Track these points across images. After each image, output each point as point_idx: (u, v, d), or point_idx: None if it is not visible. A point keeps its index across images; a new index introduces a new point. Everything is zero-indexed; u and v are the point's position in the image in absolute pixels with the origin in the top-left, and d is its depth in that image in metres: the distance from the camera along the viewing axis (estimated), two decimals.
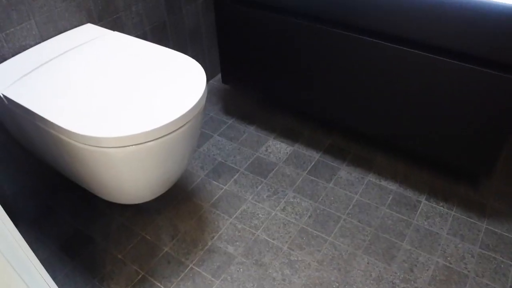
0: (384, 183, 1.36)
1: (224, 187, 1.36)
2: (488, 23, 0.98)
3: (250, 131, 1.57)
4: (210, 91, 1.79)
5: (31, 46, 1.11)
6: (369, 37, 1.16)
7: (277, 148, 1.50)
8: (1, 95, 0.94)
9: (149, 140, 0.82)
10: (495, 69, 1.03)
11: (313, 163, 1.44)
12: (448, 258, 1.15)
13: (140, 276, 1.13)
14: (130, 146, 0.82)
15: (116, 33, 1.16)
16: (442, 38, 1.05)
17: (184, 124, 0.86)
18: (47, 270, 1.14)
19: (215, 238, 1.22)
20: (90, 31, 1.17)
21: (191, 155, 1.00)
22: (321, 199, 1.32)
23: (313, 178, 1.39)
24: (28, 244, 0.99)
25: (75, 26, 1.20)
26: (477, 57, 1.04)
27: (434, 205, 1.29)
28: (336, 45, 1.23)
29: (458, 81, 1.09)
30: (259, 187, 1.36)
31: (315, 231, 1.23)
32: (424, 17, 1.05)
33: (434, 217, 1.26)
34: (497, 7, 0.95)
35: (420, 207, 1.29)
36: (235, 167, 1.43)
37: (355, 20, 1.15)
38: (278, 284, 1.10)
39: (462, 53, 1.05)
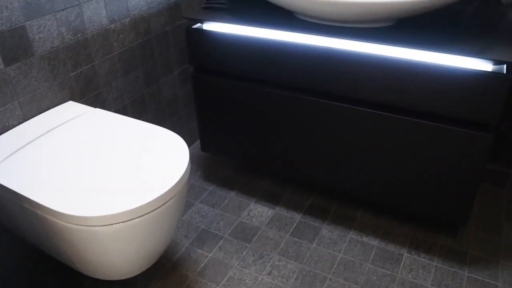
0: (366, 239, 1.39)
1: (209, 255, 1.37)
2: (446, 85, 1.06)
3: (231, 196, 1.60)
4: (189, 158, 1.82)
5: (14, 126, 1.13)
6: (339, 102, 1.23)
7: (259, 212, 1.52)
8: None
9: (136, 216, 0.84)
10: (458, 126, 1.10)
11: (295, 225, 1.46)
12: None
13: None
14: (117, 224, 0.83)
15: (98, 110, 1.20)
16: (408, 100, 1.13)
17: (170, 199, 0.89)
18: None
19: None
20: (72, 109, 1.21)
21: (177, 226, 1.02)
22: (306, 260, 1.33)
23: (296, 239, 1.41)
24: None
25: (57, 104, 1.24)
26: (440, 115, 1.12)
27: (416, 257, 1.32)
28: (308, 111, 1.29)
29: (426, 138, 1.16)
30: (244, 252, 1.37)
31: None
32: (390, 83, 1.13)
33: (417, 269, 1.28)
34: (454, 70, 1.03)
35: (403, 260, 1.31)
36: (219, 233, 1.44)
37: (324, 87, 1.23)
38: None
39: (427, 112, 1.13)
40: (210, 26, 1.35)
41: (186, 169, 0.94)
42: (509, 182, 1.54)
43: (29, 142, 1.05)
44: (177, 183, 0.89)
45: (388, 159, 1.25)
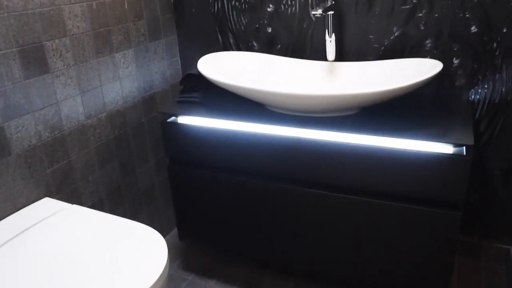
0: None
1: None
2: (412, 168, 1.11)
3: (211, 286, 1.57)
4: (168, 252, 1.80)
5: None
6: (310, 189, 1.27)
7: None
8: None
9: None
10: (426, 206, 1.15)
11: None
12: None
13: None
14: None
15: (74, 206, 1.20)
16: (376, 183, 1.17)
17: None
18: None
19: None
20: (47, 206, 1.21)
21: None
22: None
23: None
24: None
25: (33, 202, 1.24)
26: (409, 197, 1.16)
27: None
28: (282, 198, 1.32)
29: (397, 220, 1.19)
30: None
31: None
32: (359, 168, 1.17)
33: None
34: (418, 154, 1.09)
35: None
36: None
37: (295, 175, 1.27)
38: None
39: (395, 195, 1.17)
40: (184, 119, 1.40)
41: (165, 268, 0.93)
42: (484, 253, 1.56)
43: (2, 245, 1.04)
44: (155, 283, 0.88)
45: (362, 242, 1.26)
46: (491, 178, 1.45)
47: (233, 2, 1.61)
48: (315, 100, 1.14)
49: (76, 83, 1.33)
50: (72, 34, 1.30)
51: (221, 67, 1.44)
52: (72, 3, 1.29)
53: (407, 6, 1.36)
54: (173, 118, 1.42)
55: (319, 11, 1.21)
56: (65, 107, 1.31)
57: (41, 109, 1.23)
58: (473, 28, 1.31)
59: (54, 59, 1.25)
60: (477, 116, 1.40)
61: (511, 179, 1.42)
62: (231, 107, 1.40)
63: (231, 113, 1.35)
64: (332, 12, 1.34)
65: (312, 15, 1.48)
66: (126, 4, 1.49)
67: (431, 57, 1.38)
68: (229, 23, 1.65)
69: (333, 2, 1.36)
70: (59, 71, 1.27)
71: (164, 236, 1.87)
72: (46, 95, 1.24)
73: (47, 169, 1.27)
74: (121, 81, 1.51)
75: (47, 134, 1.26)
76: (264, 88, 1.18)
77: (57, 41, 1.26)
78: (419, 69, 1.25)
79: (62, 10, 1.26)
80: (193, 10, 1.69)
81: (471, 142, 1.05)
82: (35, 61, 1.19)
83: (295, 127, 1.23)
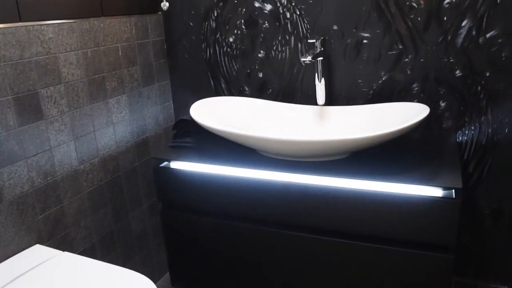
0: None
1: None
2: (403, 212, 1.12)
3: None
4: None
5: None
6: (303, 233, 1.27)
7: None
8: None
9: None
10: (419, 249, 1.15)
11: None
12: None
13: None
14: None
15: (65, 253, 1.19)
16: (368, 227, 1.18)
17: None
18: None
19: None
20: (38, 253, 1.20)
21: None
22: None
23: None
24: None
25: (24, 249, 1.22)
26: (401, 241, 1.16)
27: None
28: (275, 242, 1.32)
29: (390, 264, 1.19)
30: None
31: None
32: (351, 213, 1.18)
33: None
34: (408, 198, 1.11)
35: None
36: None
37: (287, 219, 1.27)
38: None
39: (389, 238, 1.17)
40: (177, 164, 1.41)
41: None
42: None
43: None
44: None
45: (355, 287, 1.26)
46: (482, 219, 1.46)
47: (225, 48, 1.66)
48: (306, 146, 1.16)
49: (70, 129, 1.35)
50: (67, 81, 1.33)
51: (213, 112, 1.46)
52: (68, 51, 1.32)
53: (394, 52, 1.41)
54: (165, 163, 1.43)
55: (309, 58, 1.25)
56: (58, 153, 1.32)
57: (34, 156, 1.24)
58: (458, 72, 1.35)
59: (49, 106, 1.27)
60: (465, 157, 1.42)
61: (502, 219, 1.43)
62: (223, 152, 1.42)
63: (223, 158, 1.37)
64: (321, 58, 1.38)
65: (302, 62, 1.52)
66: (120, 51, 1.52)
67: (419, 101, 1.42)
68: (221, 69, 1.69)
69: (322, 49, 1.40)
70: (53, 118, 1.29)
71: (156, 280, 1.84)
72: (40, 141, 1.25)
73: (39, 215, 1.27)
74: (115, 126, 1.53)
75: (39, 180, 1.26)
76: (255, 134, 1.20)
77: (51, 88, 1.28)
78: (407, 113, 1.28)
79: (57, 58, 1.29)
80: (186, 55, 1.74)
81: (459, 185, 1.07)
82: (29, 108, 1.21)
83: (287, 172, 1.25)
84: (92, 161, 1.44)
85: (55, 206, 1.32)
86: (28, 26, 1.20)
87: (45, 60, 1.25)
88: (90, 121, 1.42)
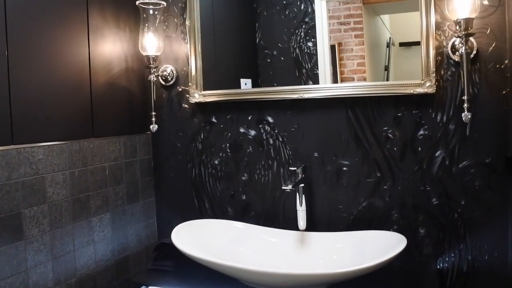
0: None
1: None
2: None
3: None
4: None
5: None
6: None
7: None
8: None
9: None
10: None
11: None
12: None
13: None
14: None
15: None
16: None
17: None
18: None
19: None
20: None
21: None
22: None
23: None
24: None
25: None
26: None
27: None
28: None
29: None
30: None
31: None
32: None
33: None
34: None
35: None
36: None
37: None
38: None
39: None
40: None
41: None
42: None
43: None
44: None
45: None
46: None
47: (210, 170, 1.71)
48: (286, 278, 1.16)
49: (49, 249, 1.33)
50: (51, 201, 1.34)
51: (194, 236, 1.47)
52: (55, 171, 1.36)
53: (372, 179, 1.46)
54: (144, 286, 1.40)
55: (289, 187, 1.29)
56: (34, 274, 1.29)
57: (8, 278, 1.21)
58: (434, 200, 1.40)
59: (30, 226, 1.27)
60: (448, 284, 1.41)
61: None
62: (202, 278, 1.39)
63: (202, 284, 1.34)
64: (302, 185, 1.43)
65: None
66: (107, 170, 1.56)
67: (398, 227, 1.44)
68: (206, 189, 1.72)
69: (303, 175, 1.46)
70: (33, 238, 1.28)
71: None
72: (16, 263, 1.23)
73: None
74: (95, 244, 1.51)
75: None
76: (235, 264, 1.21)
77: (35, 208, 1.29)
78: (386, 243, 1.30)
79: (44, 178, 1.32)
80: (172, 174, 1.78)
81: None
82: (10, 229, 1.21)
83: None
84: (69, 281, 1.40)
85: None
86: (19, 148, 1.24)
87: (32, 180, 1.28)
88: (70, 240, 1.41)
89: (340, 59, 1.52)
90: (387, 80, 1.52)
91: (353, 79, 1.50)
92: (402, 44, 1.53)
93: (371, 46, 1.53)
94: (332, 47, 1.53)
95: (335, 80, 1.53)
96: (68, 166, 1.41)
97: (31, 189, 1.28)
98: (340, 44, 1.52)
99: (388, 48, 1.56)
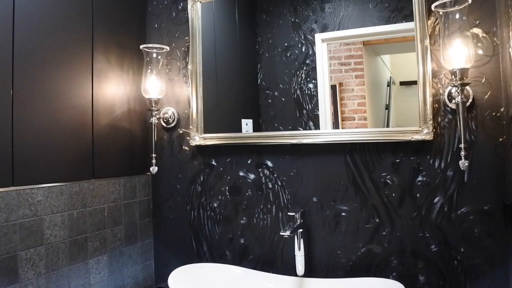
0: None
1: None
2: None
3: None
4: None
5: None
6: None
7: None
8: None
9: None
10: None
11: None
12: None
13: None
14: None
15: None
16: None
17: None
18: None
19: None
20: None
21: None
22: None
23: None
24: None
25: None
26: None
27: None
28: None
29: None
30: None
31: None
32: None
33: None
34: None
35: None
36: None
37: None
38: None
39: None
40: None
41: None
42: None
43: None
44: None
45: None
46: None
47: (209, 212, 1.70)
48: None
49: None
50: (49, 243, 1.34)
51: (191, 281, 1.45)
52: (54, 213, 1.36)
53: (370, 225, 1.46)
54: None
55: (288, 233, 1.29)
56: None
57: None
58: (434, 247, 1.39)
59: (26, 269, 1.26)
60: None
61: None
62: None
63: None
64: (301, 230, 1.42)
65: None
66: (106, 211, 1.56)
67: (397, 274, 1.42)
68: (204, 232, 1.72)
69: (302, 220, 1.45)
70: (28, 281, 1.27)
71: None
72: None
73: None
74: (91, 287, 1.49)
75: None
76: None
77: (32, 250, 1.28)
78: None
79: (43, 220, 1.32)
80: (171, 216, 1.77)
81: None
82: (5, 271, 1.20)
83: None
84: None
85: None
86: (19, 190, 1.25)
87: (30, 222, 1.28)
88: (66, 283, 1.39)
89: (341, 99, 1.54)
90: (388, 119, 1.54)
91: (353, 119, 1.52)
92: (402, 83, 1.55)
93: (372, 85, 1.56)
94: (333, 87, 1.56)
95: (335, 120, 1.54)
96: (67, 208, 1.41)
97: (29, 231, 1.27)
98: (341, 84, 1.55)
99: (388, 87, 1.58)
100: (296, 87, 1.60)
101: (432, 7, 1.29)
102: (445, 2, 1.27)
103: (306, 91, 1.58)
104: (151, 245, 1.80)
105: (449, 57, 1.26)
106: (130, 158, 1.71)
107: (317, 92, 1.57)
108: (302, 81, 1.58)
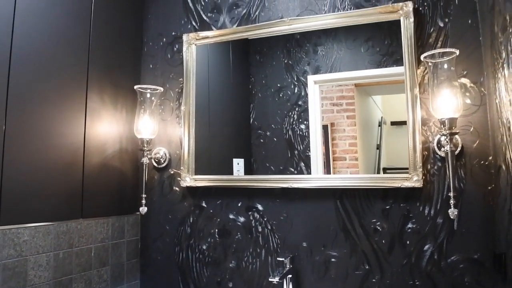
0: None
1: None
2: None
3: None
4: None
5: None
6: None
7: None
8: None
9: None
10: None
11: None
12: None
13: None
14: None
15: None
16: None
17: None
18: None
19: None
20: None
21: None
22: None
23: None
24: None
25: None
26: None
27: None
28: None
29: None
30: None
31: None
32: None
33: None
34: None
35: None
36: None
37: None
38: None
39: None
40: None
41: None
42: None
43: None
44: None
45: None
46: None
47: (197, 255, 1.68)
48: None
49: None
50: (32, 284, 1.30)
51: None
52: (40, 253, 1.33)
53: (360, 272, 1.44)
54: None
55: (276, 279, 1.27)
56: None
57: None
58: None
59: None
60: None
61: None
62: None
63: None
64: (290, 276, 1.40)
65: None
66: (93, 252, 1.54)
67: None
68: (192, 274, 1.69)
69: (291, 266, 1.43)
70: None
71: None
72: None
73: None
74: None
75: None
76: None
77: None
78: None
79: (27, 260, 1.29)
80: (159, 257, 1.75)
81: None
82: None
83: None
84: None
85: None
86: (5, 229, 1.23)
87: (14, 263, 1.25)
88: None
89: (333, 139, 1.56)
90: (379, 159, 1.56)
91: (345, 159, 1.53)
92: (393, 123, 1.57)
93: (363, 125, 1.58)
94: (325, 127, 1.57)
95: (327, 161, 1.55)
96: (53, 248, 1.38)
97: (12, 271, 1.25)
98: (332, 124, 1.56)
99: (380, 127, 1.60)
100: (288, 128, 1.61)
101: (422, 57, 1.33)
102: (433, 54, 1.31)
103: (298, 132, 1.59)
104: (137, 286, 1.76)
105: (438, 106, 1.29)
106: (120, 198, 1.69)
107: (309, 133, 1.58)
108: (294, 122, 1.60)
